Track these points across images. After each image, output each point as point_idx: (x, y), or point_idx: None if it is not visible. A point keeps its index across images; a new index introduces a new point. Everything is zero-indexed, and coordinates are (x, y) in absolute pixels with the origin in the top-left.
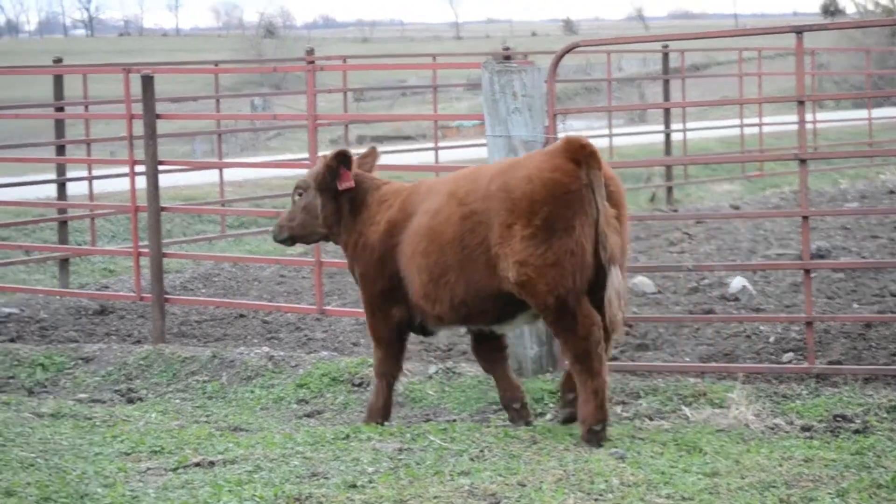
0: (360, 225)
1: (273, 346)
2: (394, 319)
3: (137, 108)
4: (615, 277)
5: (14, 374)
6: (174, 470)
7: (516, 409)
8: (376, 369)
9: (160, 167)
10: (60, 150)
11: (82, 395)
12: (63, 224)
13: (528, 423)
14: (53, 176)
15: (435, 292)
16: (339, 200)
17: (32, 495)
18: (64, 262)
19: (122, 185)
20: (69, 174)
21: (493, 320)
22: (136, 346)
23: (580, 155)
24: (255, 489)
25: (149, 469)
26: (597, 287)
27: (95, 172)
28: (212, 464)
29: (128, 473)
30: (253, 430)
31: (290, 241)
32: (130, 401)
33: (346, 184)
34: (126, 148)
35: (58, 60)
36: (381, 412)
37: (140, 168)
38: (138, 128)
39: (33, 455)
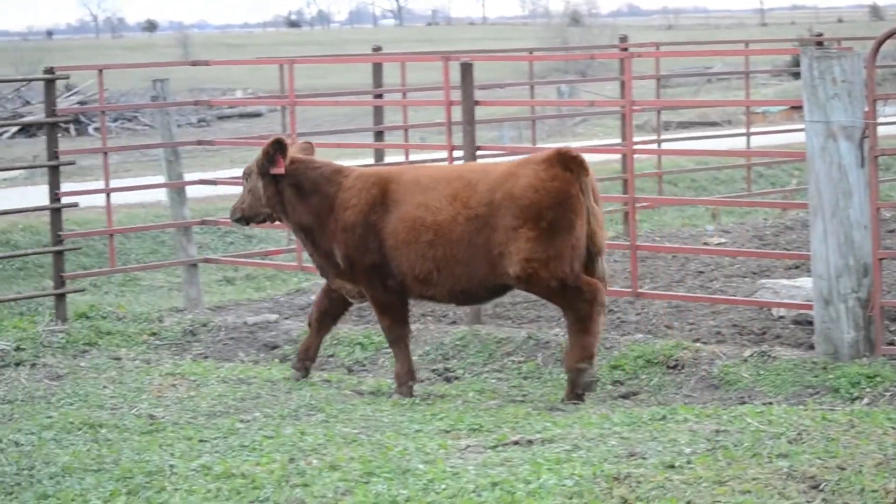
0: (334, 213)
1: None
2: (391, 288)
3: (455, 95)
4: (601, 265)
5: (334, 352)
6: (493, 448)
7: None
8: (388, 337)
9: (478, 152)
10: (378, 135)
11: None
12: None
13: None
14: (371, 161)
15: (438, 279)
16: (279, 184)
17: (356, 469)
18: None
19: None
20: (386, 159)
21: (475, 301)
22: (452, 326)
23: (573, 165)
24: (573, 468)
25: (468, 446)
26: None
27: (412, 158)
28: (530, 442)
29: (448, 450)
30: (569, 411)
31: (243, 221)
32: (447, 380)
33: (277, 169)
34: (441, 134)
35: (377, 49)
36: (409, 374)
37: (458, 153)
38: (455, 114)
39: (356, 431)
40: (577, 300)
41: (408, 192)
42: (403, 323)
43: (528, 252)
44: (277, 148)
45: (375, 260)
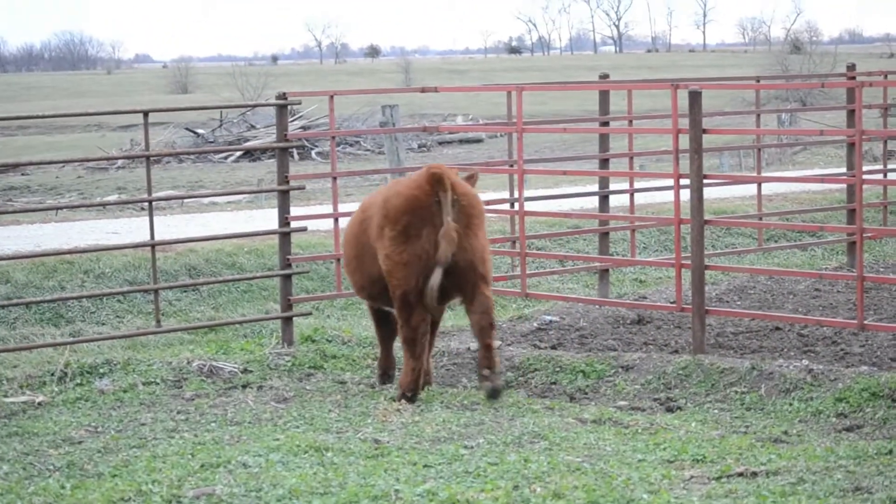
0: None
1: (810, 358)
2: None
3: (682, 123)
4: (435, 276)
5: (556, 379)
6: (717, 479)
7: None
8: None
9: (704, 181)
10: (604, 163)
11: (622, 403)
12: (604, 235)
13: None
14: (595, 188)
15: (350, 278)
16: None
17: (580, 499)
18: (604, 273)
19: (654, 198)
20: (611, 187)
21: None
22: (675, 355)
23: (433, 181)
24: (799, 501)
25: (692, 477)
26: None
27: (636, 185)
28: (754, 474)
29: (672, 481)
30: (793, 443)
31: None
32: (670, 409)
33: None
34: (661, 161)
35: (603, 76)
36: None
37: (684, 181)
38: (681, 142)
39: (579, 459)
40: (406, 322)
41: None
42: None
43: (388, 249)
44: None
45: None
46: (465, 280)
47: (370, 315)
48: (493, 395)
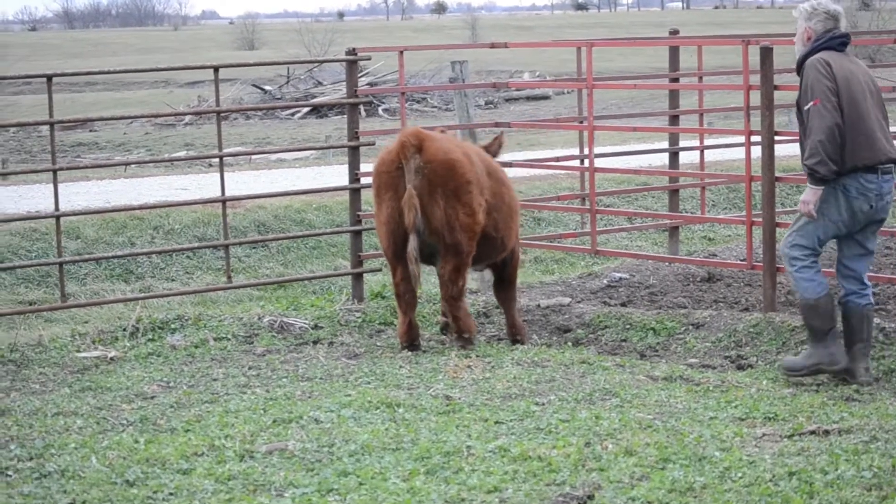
0: None
1: (881, 317)
2: None
3: (752, 79)
4: (411, 241)
5: (626, 337)
6: (789, 437)
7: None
8: None
9: (776, 138)
10: (673, 119)
11: (693, 360)
12: (674, 192)
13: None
14: (665, 144)
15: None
16: None
17: (652, 456)
18: (674, 230)
19: (723, 155)
20: (681, 143)
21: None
22: (745, 313)
23: (400, 146)
24: (872, 459)
25: (764, 435)
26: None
27: (706, 142)
28: (827, 433)
29: (743, 438)
30: (865, 401)
31: None
32: (741, 367)
33: None
34: (728, 119)
35: (673, 32)
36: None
37: (755, 138)
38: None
39: (650, 417)
40: (393, 277)
41: None
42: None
43: (374, 210)
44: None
45: None
46: (435, 247)
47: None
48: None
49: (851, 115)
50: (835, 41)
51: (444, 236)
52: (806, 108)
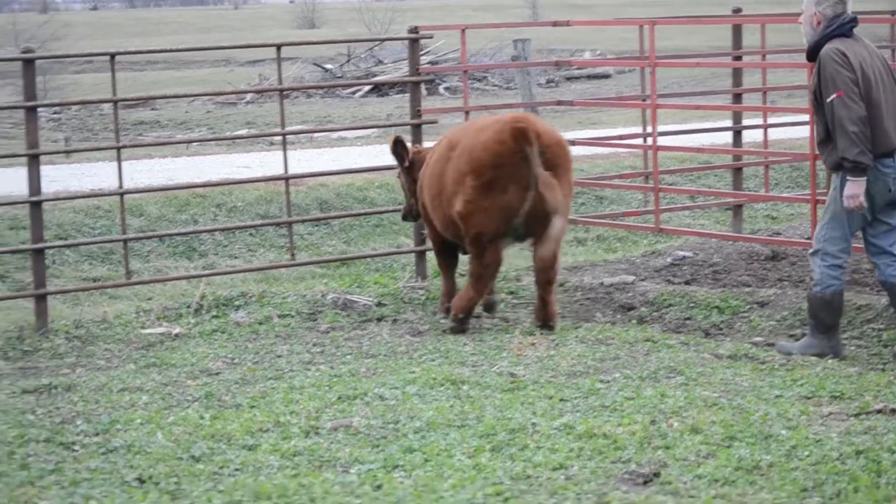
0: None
1: None
2: (439, 237)
3: None
4: (557, 223)
5: (690, 315)
6: (856, 416)
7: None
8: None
9: None
10: (736, 98)
11: (757, 339)
12: (738, 171)
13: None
14: (729, 123)
15: (437, 218)
16: (411, 173)
17: (717, 433)
18: (737, 208)
19: (786, 133)
20: (744, 122)
21: None
22: None
23: (518, 136)
24: None
25: (830, 413)
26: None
27: (769, 121)
28: (893, 411)
29: (810, 417)
30: None
31: (411, 218)
32: None
33: (404, 162)
34: (791, 97)
35: (736, 11)
36: (448, 295)
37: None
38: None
39: (715, 395)
40: (478, 258)
41: (435, 150)
42: (442, 255)
43: (469, 195)
44: (398, 146)
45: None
46: (541, 226)
47: (442, 254)
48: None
49: (868, 104)
50: (845, 27)
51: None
52: (829, 100)
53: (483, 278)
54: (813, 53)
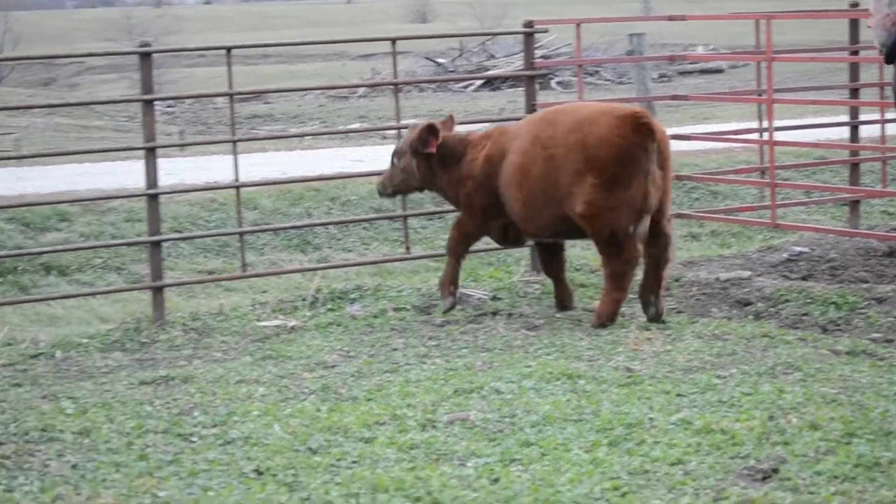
0: (461, 167)
1: None
2: (484, 226)
3: None
4: (644, 223)
5: (807, 311)
6: None
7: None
8: (450, 249)
9: None
10: (854, 92)
11: (876, 335)
12: (854, 166)
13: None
14: (846, 118)
15: (528, 215)
16: (429, 160)
17: (836, 430)
18: (854, 204)
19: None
20: (861, 117)
21: (566, 236)
22: None
23: (642, 129)
24: None
25: None
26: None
27: (887, 116)
28: None
29: None
30: None
31: (393, 195)
32: None
33: (430, 149)
34: None
35: (853, 5)
36: (451, 281)
37: None
38: None
39: (834, 391)
40: (616, 257)
41: (512, 141)
42: (466, 247)
43: (591, 196)
44: (431, 132)
45: (489, 202)
46: (652, 220)
47: (541, 252)
48: (656, 318)
49: None
50: None
51: (667, 209)
52: None
53: (625, 276)
54: (893, 54)
